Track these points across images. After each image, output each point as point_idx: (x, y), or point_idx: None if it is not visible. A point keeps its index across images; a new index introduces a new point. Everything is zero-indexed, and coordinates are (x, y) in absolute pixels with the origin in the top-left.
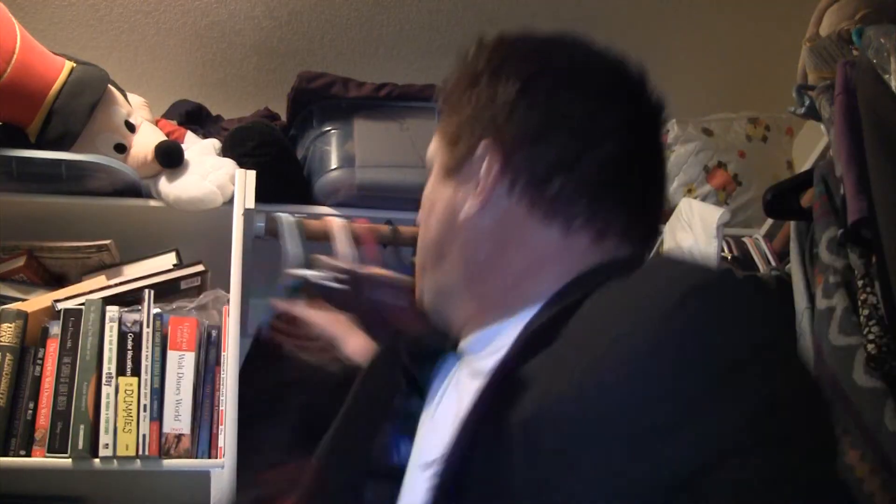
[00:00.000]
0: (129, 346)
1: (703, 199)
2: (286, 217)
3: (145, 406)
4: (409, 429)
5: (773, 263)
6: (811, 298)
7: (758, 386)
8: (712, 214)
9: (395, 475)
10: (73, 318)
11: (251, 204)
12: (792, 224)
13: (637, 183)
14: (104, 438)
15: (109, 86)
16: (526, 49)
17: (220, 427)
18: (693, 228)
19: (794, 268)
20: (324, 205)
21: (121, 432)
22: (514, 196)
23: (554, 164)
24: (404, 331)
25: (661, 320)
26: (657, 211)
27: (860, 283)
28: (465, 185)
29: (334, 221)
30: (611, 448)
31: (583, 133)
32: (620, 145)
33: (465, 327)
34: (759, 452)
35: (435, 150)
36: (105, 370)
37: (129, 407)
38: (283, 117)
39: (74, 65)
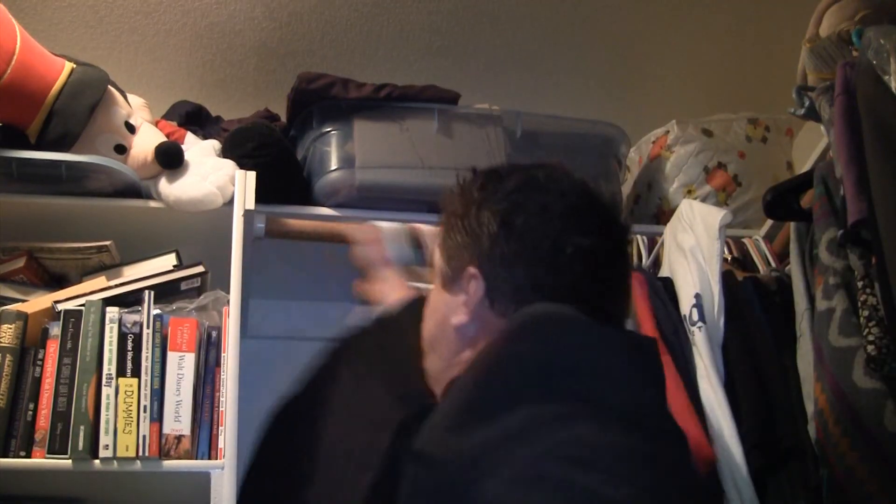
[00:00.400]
0: (130, 347)
1: (703, 199)
2: (395, 226)
3: (145, 407)
4: None
5: (773, 264)
6: (811, 300)
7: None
8: (714, 215)
9: None
10: (73, 319)
11: (251, 205)
12: (792, 225)
13: (597, 294)
14: (104, 439)
15: (109, 87)
16: (510, 185)
17: (220, 428)
18: (695, 230)
19: (794, 269)
20: (324, 206)
21: (121, 433)
22: (493, 310)
23: (527, 287)
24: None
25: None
26: (620, 305)
27: (860, 284)
28: (456, 296)
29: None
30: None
31: (552, 263)
32: (584, 271)
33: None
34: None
35: (437, 260)
36: (105, 371)
37: (130, 408)
38: (283, 118)
39: (74, 66)
